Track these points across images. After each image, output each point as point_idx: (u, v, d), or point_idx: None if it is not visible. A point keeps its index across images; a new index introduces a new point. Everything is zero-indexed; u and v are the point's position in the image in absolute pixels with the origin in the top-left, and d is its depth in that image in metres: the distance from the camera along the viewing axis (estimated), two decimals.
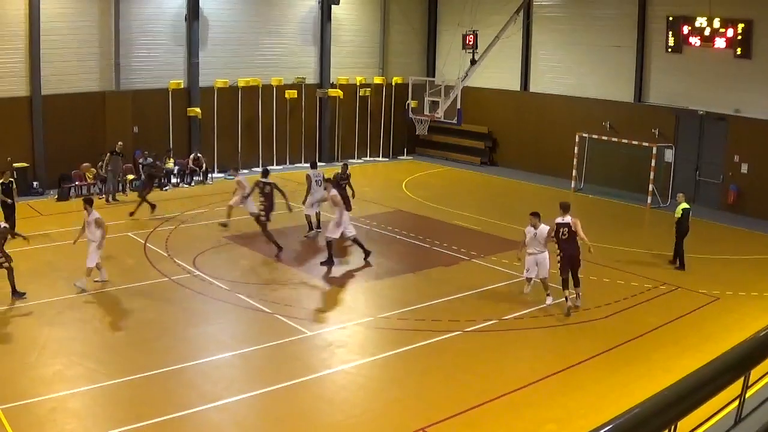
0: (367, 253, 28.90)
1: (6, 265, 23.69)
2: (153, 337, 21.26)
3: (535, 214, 24.93)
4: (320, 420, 17.19)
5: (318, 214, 32.71)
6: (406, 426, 16.68)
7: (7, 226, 24.68)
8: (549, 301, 25.02)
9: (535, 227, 24.78)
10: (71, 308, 23.13)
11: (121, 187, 38.70)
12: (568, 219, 24.35)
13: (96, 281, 25.48)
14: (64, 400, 17.29)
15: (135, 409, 16.93)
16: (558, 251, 24.49)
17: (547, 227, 24.73)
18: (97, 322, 22.39)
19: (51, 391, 17.69)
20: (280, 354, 20.60)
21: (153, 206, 34.10)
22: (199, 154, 41.31)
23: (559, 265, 24.43)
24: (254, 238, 30.72)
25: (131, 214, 33.85)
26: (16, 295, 23.68)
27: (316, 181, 31.76)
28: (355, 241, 28.94)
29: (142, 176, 38.58)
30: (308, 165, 34.55)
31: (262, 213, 29.95)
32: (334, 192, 28.80)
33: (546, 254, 24.93)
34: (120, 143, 38.07)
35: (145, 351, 20.26)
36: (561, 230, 24.29)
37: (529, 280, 25.69)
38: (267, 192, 30.14)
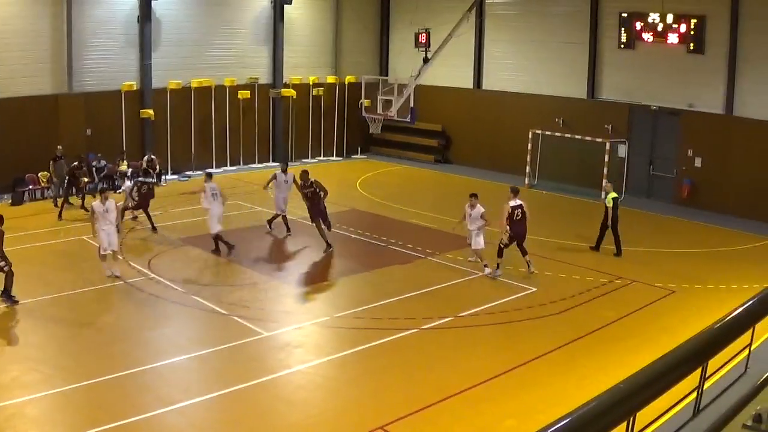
0: (230, 248, 29.26)
1: (6, 268, 23.61)
2: (109, 341, 21.07)
3: (473, 195, 28.03)
4: (278, 421, 17.13)
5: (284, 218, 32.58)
6: (365, 425, 16.63)
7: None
8: (487, 270, 27.59)
9: (472, 207, 27.60)
10: (27, 314, 22.87)
11: (73, 191, 38.40)
12: (519, 201, 26.96)
13: (111, 275, 26.27)
14: (22, 407, 17.07)
15: (93, 414, 16.77)
16: (508, 230, 26.71)
17: (482, 209, 27.36)
18: (54, 327, 22.16)
19: (9, 397, 17.43)
20: (237, 355, 20.49)
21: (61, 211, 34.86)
22: (152, 156, 41.02)
23: (506, 239, 27.12)
24: (209, 240, 30.59)
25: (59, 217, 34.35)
26: (8, 298, 23.59)
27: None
28: (217, 237, 29.47)
29: (95, 178, 38.58)
30: (263, 165, 34.37)
31: (133, 205, 32.95)
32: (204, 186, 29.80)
33: (481, 232, 27.57)
34: (59, 147, 37.56)
35: (101, 355, 20.07)
36: (515, 212, 26.94)
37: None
38: (144, 191, 32.59)
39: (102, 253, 26.27)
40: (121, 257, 27.46)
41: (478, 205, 27.52)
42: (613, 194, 30.24)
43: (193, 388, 18.44)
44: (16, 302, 23.46)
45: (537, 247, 30.62)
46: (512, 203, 26.96)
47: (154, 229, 32.41)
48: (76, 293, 24.72)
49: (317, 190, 30.14)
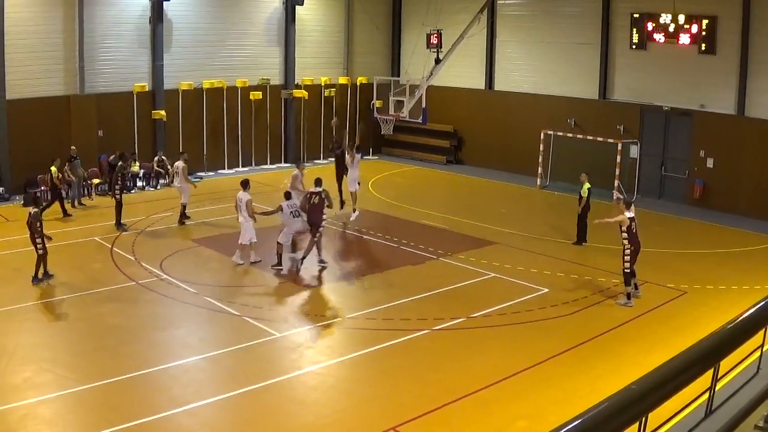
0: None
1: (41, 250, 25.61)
2: (121, 342, 21.11)
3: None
4: (291, 422, 17.13)
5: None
6: (377, 425, 16.66)
7: (38, 210, 26.51)
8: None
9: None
10: (39, 314, 23.02)
11: (86, 192, 38.51)
12: (632, 213, 24.97)
13: (254, 262, 28.42)
14: (34, 407, 17.14)
15: (105, 415, 16.83)
16: (629, 245, 24.74)
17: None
18: (66, 328, 22.27)
19: (21, 398, 17.52)
20: (249, 356, 20.54)
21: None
22: (162, 156, 41.14)
23: (628, 258, 24.78)
24: (221, 241, 30.62)
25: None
26: (37, 279, 25.62)
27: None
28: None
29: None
30: (275, 166, 34.22)
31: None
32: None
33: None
34: (73, 147, 37.91)
35: (113, 356, 20.12)
36: (632, 224, 24.73)
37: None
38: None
39: (239, 242, 28.34)
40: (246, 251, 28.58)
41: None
42: (588, 185, 31.07)
43: (205, 389, 18.49)
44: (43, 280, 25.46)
45: (549, 248, 30.72)
46: (628, 214, 24.79)
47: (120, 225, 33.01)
48: (88, 294, 24.79)
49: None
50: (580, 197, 31.54)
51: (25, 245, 29.16)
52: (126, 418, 16.60)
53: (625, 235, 24.74)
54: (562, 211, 37.14)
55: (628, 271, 24.90)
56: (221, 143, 46.94)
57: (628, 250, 24.73)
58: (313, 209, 27.74)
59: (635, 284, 25.43)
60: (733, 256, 31.53)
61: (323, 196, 27.98)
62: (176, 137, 44.40)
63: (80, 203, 37.08)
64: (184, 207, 33.96)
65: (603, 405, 9.82)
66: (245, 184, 28.59)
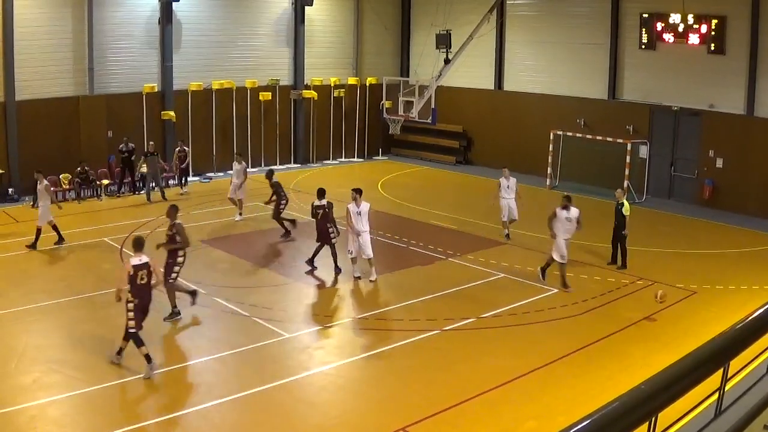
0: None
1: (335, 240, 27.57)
2: (131, 343, 21.11)
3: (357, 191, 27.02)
4: (301, 422, 17.13)
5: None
6: (387, 426, 16.66)
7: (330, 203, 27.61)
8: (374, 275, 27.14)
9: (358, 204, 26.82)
10: (48, 315, 22.99)
11: (97, 192, 38.74)
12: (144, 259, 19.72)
13: (358, 276, 27.34)
14: (44, 408, 17.18)
15: (115, 416, 16.85)
16: (132, 297, 19.46)
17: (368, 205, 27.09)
18: (75, 329, 22.22)
19: (31, 399, 17.56)
20: (259, 357, 20.54)
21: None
22: (185, 147, 40.93)
23: (132, 314, 19.47)
24: (230, 241, 30.64)
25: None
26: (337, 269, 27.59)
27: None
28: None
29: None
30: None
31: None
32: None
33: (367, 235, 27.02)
34: (151, 143, 39.62)
35: (123, 357, 20.11)
36: (138, 273, 19.56)
37: (353, 260, 27.32)
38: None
39: (348, 256, 27.34)
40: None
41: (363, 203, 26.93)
42: (626, 201, 29.48)
43: (214, 390, 18.47)
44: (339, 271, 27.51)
45: None
46: (135, 261, 19.45)
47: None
48: (96, 294, 24.83)
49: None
50: (623, 216, 29.16)
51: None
52: (135, 419, 16.66)
53: (128, 285, 19.42)
54: None
55: (133, 331, 19.34)
56: (230, 144, 46.92)
57: (132, 304, 19.38)
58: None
59: None
60: (742, 256, 31.47)
61: (327, 209, 27.83)
62: (186, 138, 44.34)
63: (165, 195, 38.77)
64: (240, 203, 35.50)
65: (612, 405, 9.77)
66: (359, 192, 27.07)
